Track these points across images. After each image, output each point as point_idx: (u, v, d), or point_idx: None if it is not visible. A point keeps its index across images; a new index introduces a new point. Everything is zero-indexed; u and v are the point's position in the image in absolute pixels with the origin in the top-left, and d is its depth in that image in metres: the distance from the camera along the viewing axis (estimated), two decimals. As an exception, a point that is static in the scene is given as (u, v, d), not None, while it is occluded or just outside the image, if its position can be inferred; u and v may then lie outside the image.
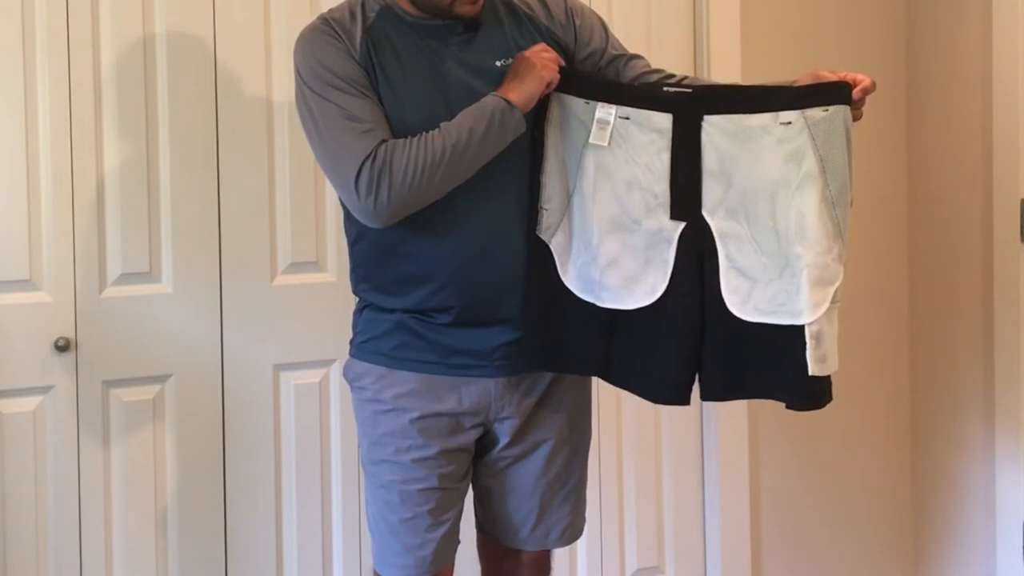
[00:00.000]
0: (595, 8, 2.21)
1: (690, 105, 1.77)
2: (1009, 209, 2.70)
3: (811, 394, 1.77)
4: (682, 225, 1.78)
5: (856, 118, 1.72)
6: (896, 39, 3.00)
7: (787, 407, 1.80)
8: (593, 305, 1.83)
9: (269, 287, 2.38)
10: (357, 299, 1.91)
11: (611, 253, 1.81)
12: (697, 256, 1.78)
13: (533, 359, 1.84)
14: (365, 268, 1.85)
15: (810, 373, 1.74)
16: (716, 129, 1.75)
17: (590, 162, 1.82)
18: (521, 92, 1.73)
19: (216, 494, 2.35)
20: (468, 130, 1.69)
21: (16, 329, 2.19)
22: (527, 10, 1.86)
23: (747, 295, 1.76)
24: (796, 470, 2.92)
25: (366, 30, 1.76)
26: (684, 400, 1.81)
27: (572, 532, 1.98)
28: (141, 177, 2.27)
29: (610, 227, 1.82)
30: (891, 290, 3.02)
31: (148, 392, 2.30)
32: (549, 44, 1.82)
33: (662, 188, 1.79)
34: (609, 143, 1.80)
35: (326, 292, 2.42)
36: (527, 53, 1.77)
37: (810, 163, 1.71)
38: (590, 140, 1.81)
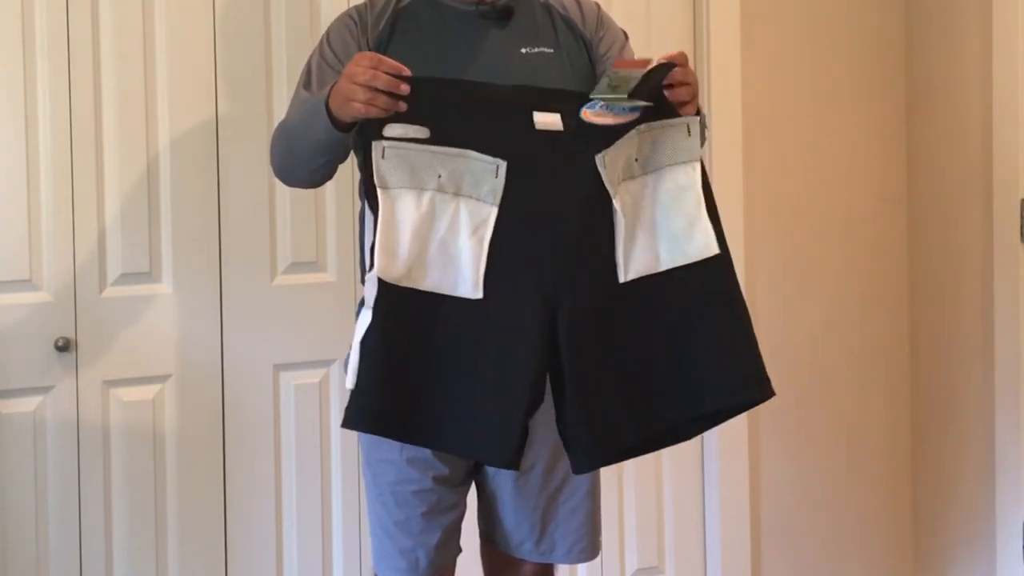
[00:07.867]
0: (595, 8, 2.22)
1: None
2: (1009, 209, 2.70)
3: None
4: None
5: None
6: (896, 39, 3.00)
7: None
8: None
9: (269, 287, 2.38)
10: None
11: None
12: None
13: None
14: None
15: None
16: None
17: None
18: (335, 102, 1.61)
19: (216, 494, 2.35)
20: (291, 118, 1.78)
21: (16, 329, 2.19)
22: (563, 11, 1.90)
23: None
24: (796, 470, 2.92)
25: (396, 10, 1.82)
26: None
27: (582, 548, 1.90)
28: (141, 177, 2.27)
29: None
30: (891, 290, 3.02)
31: (148, 392, 2.30)
32: (580, 44, 1.86)
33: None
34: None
35: (326, 292, 2.42)
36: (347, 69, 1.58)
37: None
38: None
